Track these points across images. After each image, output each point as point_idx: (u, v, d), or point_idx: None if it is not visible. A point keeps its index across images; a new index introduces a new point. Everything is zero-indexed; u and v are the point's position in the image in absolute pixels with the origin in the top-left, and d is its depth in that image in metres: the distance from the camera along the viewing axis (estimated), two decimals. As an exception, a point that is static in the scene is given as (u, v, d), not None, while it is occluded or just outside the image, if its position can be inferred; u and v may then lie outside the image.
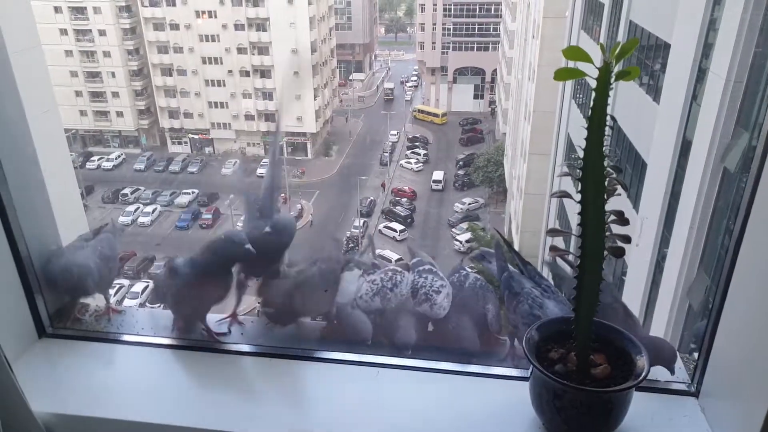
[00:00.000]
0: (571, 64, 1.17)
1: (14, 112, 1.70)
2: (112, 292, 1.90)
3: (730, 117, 8.17)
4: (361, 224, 32.70)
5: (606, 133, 1.09)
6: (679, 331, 9.21)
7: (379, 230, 32.49)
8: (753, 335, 1.26)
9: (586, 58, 1.09)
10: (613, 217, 1.14)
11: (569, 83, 18.72)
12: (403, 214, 34.02)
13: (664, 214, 10.19)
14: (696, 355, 1.50)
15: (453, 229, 32.28)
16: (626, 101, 12.12)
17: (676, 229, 9.54)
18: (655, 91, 11.47)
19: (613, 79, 1.09)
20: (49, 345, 1.71)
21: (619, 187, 1.13)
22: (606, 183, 1.12)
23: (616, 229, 1.19)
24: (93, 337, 1.75)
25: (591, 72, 1.10)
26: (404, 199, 35.74)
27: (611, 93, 1.10)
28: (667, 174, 9.94)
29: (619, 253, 1.16)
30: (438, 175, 38.53)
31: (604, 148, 1.09)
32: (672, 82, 10.15)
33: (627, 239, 1.15)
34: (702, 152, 8.65)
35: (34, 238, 1.68)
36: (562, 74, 1.12)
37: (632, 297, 10.99)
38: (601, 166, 1.10)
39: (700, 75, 9.19)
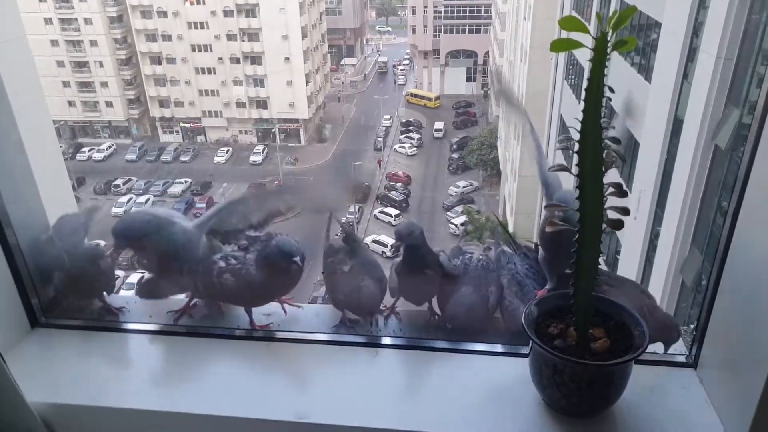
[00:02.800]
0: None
1: (-1, 105, 1.66)
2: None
3: (720, 95, 8.18)
4: (356, 210, 32.59)
5: (603, 104, 1.08)
6: (673, 306, 9.30)
7: (375, 215, 32.40)
8: (750, 306, 1.25)
9: (582, 28, 1.07)
10: (611, 189, 1.13)
11: (561, 64, 18.66)
12: (397, 198, 33.93)
13: (656, 192, 10.23)
14: (693, 327, 1.50)
15: (448, 213, 32.26)
16: (618, 80, 12.06)
17: (669, 207, 9.59)
18: (646, 70, 11.44)
19: (610, 50, 1.07)
20: (42, 335, 1.70)
21: (617, 159, 1.11)
22: (604, 154, 1.10)
23: (614, 202, 1.18)
24: (86, 327, 1.74)
25: (587, 44, 1.08)
26: (399, 184, 35.62)
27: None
28: (660, 152, 9.95)
29: (618, 225, 1.14)
30: (439, 125, 42.50)
31: (601, 120, 1.07)
32: (663, 61, 10.12)
33: (626, 211, 1.14)
34: (693, 130, 8.66)
35: (24, 229, 1.66)
36: (558, 45, 1.10)
37: (626, 274, 11.01)
38: (599, 137, 1.08)
39: (691, 53, 9.17)
